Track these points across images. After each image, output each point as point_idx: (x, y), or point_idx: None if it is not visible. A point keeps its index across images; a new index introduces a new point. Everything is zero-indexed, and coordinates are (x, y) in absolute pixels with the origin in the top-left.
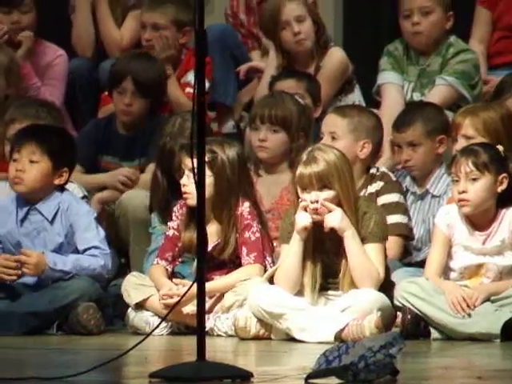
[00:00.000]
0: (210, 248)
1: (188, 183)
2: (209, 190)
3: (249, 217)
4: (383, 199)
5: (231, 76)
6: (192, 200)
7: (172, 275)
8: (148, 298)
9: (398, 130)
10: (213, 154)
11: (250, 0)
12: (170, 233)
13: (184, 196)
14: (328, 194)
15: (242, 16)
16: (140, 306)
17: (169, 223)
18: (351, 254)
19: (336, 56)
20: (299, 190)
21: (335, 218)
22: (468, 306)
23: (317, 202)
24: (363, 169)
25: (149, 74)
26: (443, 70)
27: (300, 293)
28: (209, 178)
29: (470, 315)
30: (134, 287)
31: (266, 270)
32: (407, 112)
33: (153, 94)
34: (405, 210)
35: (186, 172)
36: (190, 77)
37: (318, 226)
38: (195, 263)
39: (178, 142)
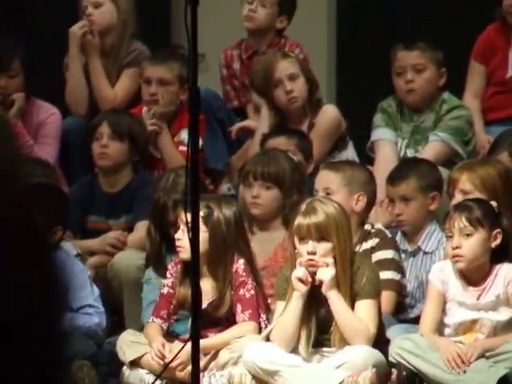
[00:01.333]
0: (204, 305)
1: (182, 237)
2: (203, 245)
3: (244, 274)
4: (378, 255)
5: (218, 140)
6: (185, 254)
7: (167, 333)
8: (143, 355)
9: (391, 184)
10: (208, 210)
11: (243, 52)
12: (165, 290)
13: (178, 250)
14: (325, 246)
15: (236, 66)
16: (135, 363)
17: (163, 281)
18: (336, 314)
19: (329, 113)
20: (296, 242)
21: (327, 274)
22: (463, 362)
23: (314, 253)
24: (359, 223)
25: (125, 117)
26: (437, 126)
27: (295, 350)
28: (203, 234)
29: (464, 372)
30: (128, 345)
31: (260, 328)
32: (402, 166)
33: (130, 136)
34: (398, 267)
35: (181, 226)
36: (184, 135)
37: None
38: (190, 320)
39: (171, 198)
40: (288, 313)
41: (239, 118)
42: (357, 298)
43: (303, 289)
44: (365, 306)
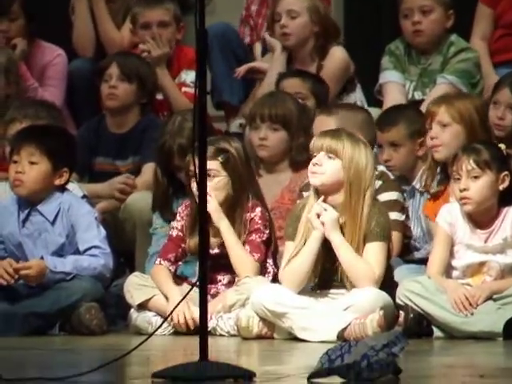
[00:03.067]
0: (216, 249)
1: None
2: (225, 191)
3: (259, 221)
4: (381, 197)
5: (234, 77)
6: (210, 205)
7: (175, 276)
8: (150, 298)
9: (380, 130)
10: (225, 154)
11: None
12: (174, 233)
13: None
14: (333, 162)
15: (254, 7)
16: (142, 306)
17: (172, 223)
18: (340, 257)
19: (337, 55)
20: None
21: (328, 216)
22: (470, 304)
23: (319, 165)
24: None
25: (133, 58)
26: (444, 68)
27: (302, 292)
28: (224, 179)
29: (472, 314)
30: (136, 288)
31: (270, 273)
32: (390, 112)
33: (138, 78)
34: (402, 208)
35: None
36: (184, 76)
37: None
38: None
39: (176, 142)
40: (305, 252)
41: None
42: (366, 240)
43: (322, 228)
44: (373, 249)
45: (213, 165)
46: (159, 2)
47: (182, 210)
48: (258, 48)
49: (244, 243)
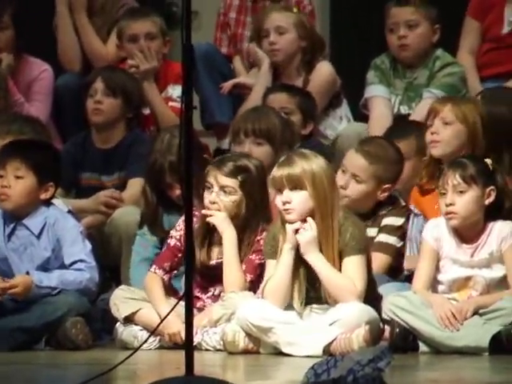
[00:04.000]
0: (214, 262)
1: (218, 201)
2: (237, 210)
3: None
4: (387, 220)
5: (223, 94)
6: (221, 214)
7: (168, 285)
8: (136, 311)
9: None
10: (245, 174)
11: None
12: (172, 242)
13: (208, 213)
14: (299, 194)
15: (232, 14)
16: (128, 319)
17: (172, 232)
18: (320, 275)
19: (324, 70)
20: (273, 192)
21: (304, 236)
22: (457, 320)
23: (288, 202)
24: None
25: (119, 73)
26: (430, 83)
27: (288, 306)
28: (239, 198)
29: (458, 330)
30: (122, 301)
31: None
32: (400, 124)
33: (123, 93)
34: (402, 235)
35: (216, 189)
36: (171, 91)
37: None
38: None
39: (167, 159)
40: (280, 266)
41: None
42: (342, 255)
43: (295, 242)
44: (350, 263)
45: (231, 182)
46: (146, 14)
47: (183, 220)
48: (237, 62)
49: (243, 262)
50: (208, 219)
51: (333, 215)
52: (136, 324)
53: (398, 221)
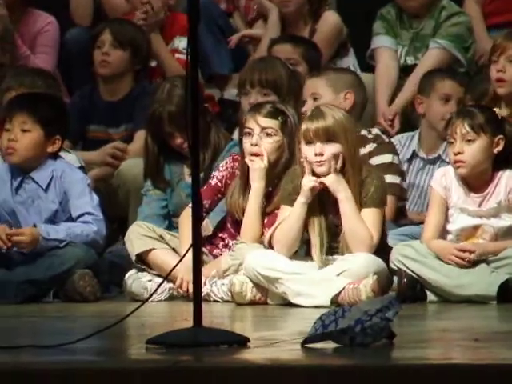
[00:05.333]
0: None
1: (260, 144)
2: (279, 152)
3: None
4: (376, 160)
5: (222, 45)
6: (262, 163)
7: None
8: (150, 250)
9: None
10: (284, 116)
11: None
12: (213, 182)
13: (252, 158)
14: (334, 147)
15: None
16: (140, 258)
17: (214, 172)
18: (344, 218)
19: (330, 20)
20: (303, 146)
21: (333, 177)
22: (469, 253)
23: (321, 154)
24: None
25: (127, 25)
26: (436, 33)
27: (297, 256)
28: (281, 140)
29: (473, 263)
30: (138, 237)
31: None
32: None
33: (131, 45)
34: (398, 171)
35: (258, 131)
36: (177, 43)
37: (320, 188)
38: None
39: (166, 109)
40: (292, 217)
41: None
42: (363, 206)
43: (310, 196)
44: (370, 215)
45: (272, 124)
46: None
47: (229, 161)
48: (237, 18)
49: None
50: (248, 163)
51: (360, 167)
52: (148, 264)
53: (386, 158)
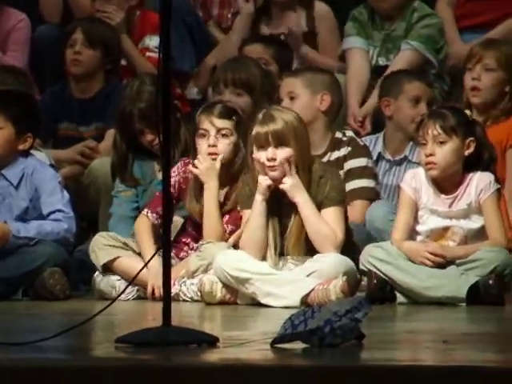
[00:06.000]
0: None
1: (217, 144)
2: (235, 152)
3: None
4: (351, 164)
5: (185, 42)
6: (215, 163)
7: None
8: (115, 259)
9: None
10: (237, 117)
11: None
12: None
13: (212, 157)
14: (285, 151)
15: None
16: (107, 268)
17: None
18: (306, 221)
19: (326, 9)
20: (255, 150)
21: (290, 181)
22: (438, 256)
23: (274, 159)
24: (326, 125)
25: (99, 25)
26: (408, 34)
27: (263, 257)
28: (236, 140)
29: (446, 261)
30: (101, 248)
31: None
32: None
33: (103, 44)
34: (372, 175)
35: (213, 133)
36: (148, 41)
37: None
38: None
39: (136, 106)
40: (253, 217)
41: None
42: (322, 206)
43: (267, 193)
44: (331, 213)
45: (227, 124)
46: None
47: (180, 166)
48: (213, 27)
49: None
50: (192, 170)
51: (311, 167)
52: (114, 272)
53: (361, 161)
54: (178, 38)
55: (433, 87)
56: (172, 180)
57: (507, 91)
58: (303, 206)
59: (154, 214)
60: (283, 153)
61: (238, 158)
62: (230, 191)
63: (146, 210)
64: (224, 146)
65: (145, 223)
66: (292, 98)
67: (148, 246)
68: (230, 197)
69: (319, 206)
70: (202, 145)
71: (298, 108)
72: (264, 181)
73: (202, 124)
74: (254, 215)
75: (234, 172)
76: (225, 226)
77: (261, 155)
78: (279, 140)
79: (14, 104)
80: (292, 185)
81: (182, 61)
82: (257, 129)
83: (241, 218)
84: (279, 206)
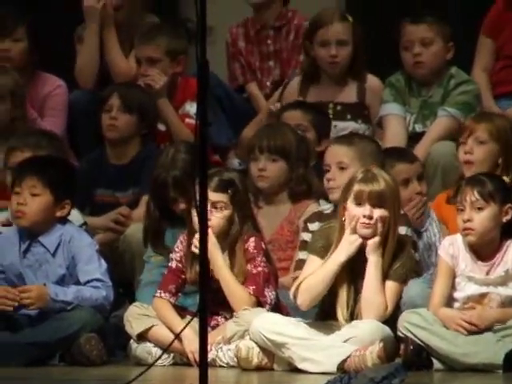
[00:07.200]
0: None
1: (210, 217)
2: (229, 224)
3: (254, 251)
4: None
5: (218, 116)
6: (211, 236)
7: (175, 307)
8: (150, 328)
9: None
10: (233, 187)
11: (250, 28)
12: (173, 264)
13: (196, 246)
14: (382, 212)
15: (241, 44)
16: (142, 336)
17: (171, 255)
18: (367, 281)
19: (377, 82)
20: (352, 206)
21: (375, 238)
22: (473, 325)
23: (371, 217)
24: None
25: (135, 90)
26: (445, 101)
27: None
28: (231, 212)
29: (481, 332)
30: (136, 317)
31: (270, 304)
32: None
33: (139, 109)
34: (412, 243)
35: (208, 206)
36: (188, 108)
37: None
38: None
39: (170, 174)
40: (325, 273)
41: (245, 94)
42: (387, 277)
43: (350, 256)
44: (391, 288)
45: (222, 197)
46: (153, 37)
47: (182, 241)
48: (253, 87)
49: (239, 271)
50: (194, 250)
51: (395, 234)
52: (149, 341)
53: (401, 230)
54: (212, 112)
55: (415, 161)
56: (177, 256)
57: (499, 163)
58: (372, 266)
59: (167, 294)
60: (380, 212)
61: (232, 229)
62: (231, 265)
63: (158, 292)
64: (214, 219)
65: (163, 303)
66: (342, 169)
67: (174, 317)
68: (234, 270)
69: (384, 276)
70: (194, 216)
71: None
72: (355, 241)
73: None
74: (327, 272)
75: (228, 243)
76: (246, 289)
77: (357, 211)
78: (379, 200)
79: (52, 170)
80: (376, 243)
81: (218, 136)
82: (360, 186)
83: (256, 274)
84: (351, 266)
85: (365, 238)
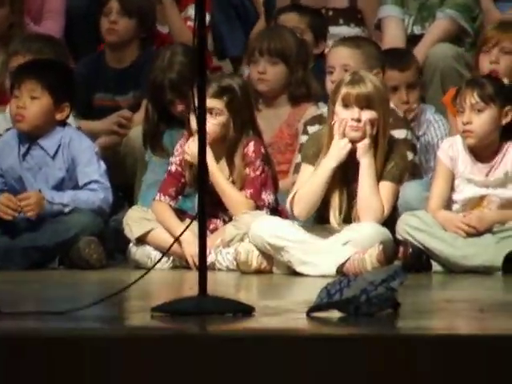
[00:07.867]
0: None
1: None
2: (225, 130)
3: (252, 155)
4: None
5: (234, 27)
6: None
7: (175, 210)
8: (149, 231)
9: (399, 69)
10: (230, 94)
11: None
12: (173, 168)
13: (188, 153)
14: (371, 113)
15: None
16: (141, 240)
17: (171, 158)
18: (361, 184)
19: None
20: (340, 109)
21: (365, 140)
22: (472, 227)
23: (359, 120)
24: None
25: None
26: (444, 3)
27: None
28: (226, 119)
29: (481, 233)
30: (135, 221)
31: (268, 207)
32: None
33: (138, 13)
34: (412, 146)
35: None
36: (191, 10)
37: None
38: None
39: (167, 76)
40: (318, 181)
41: None
42: (381, 178)
43: (341, 161)
44: (386, 188)
45: (217, 103)
46: None
47: (181, 144)
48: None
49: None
50: (185, 157)
51: (385, 136)
52: (148, 244)
53: (400, 133)
54: (229, 24)
55: (409, 68)
56: (177, 159)
57: None
58: (365, 169)
59: (167, 197)
60: (368, 114)
61: (228, 135)
62: (230, 170)
63: (158, 195)
64: (209, 125)
65: (162, 206)
66: (347, 71)
67: (174, 221)
68: (233, 175)
69: (378, 178)
70: (193, 123)
71: None
72: (345, 146)
73: (191, 100)
74: (320, 179)
75: (225, 149)
76: (243, 192)
77: (346, 114)
78: (367, 102)
79: (51, 73)
80: (366, 146)
81: (233, 46)
82: (347, 89)
83: (253, 178)
84: (344, 170)
85: (354, 142)
